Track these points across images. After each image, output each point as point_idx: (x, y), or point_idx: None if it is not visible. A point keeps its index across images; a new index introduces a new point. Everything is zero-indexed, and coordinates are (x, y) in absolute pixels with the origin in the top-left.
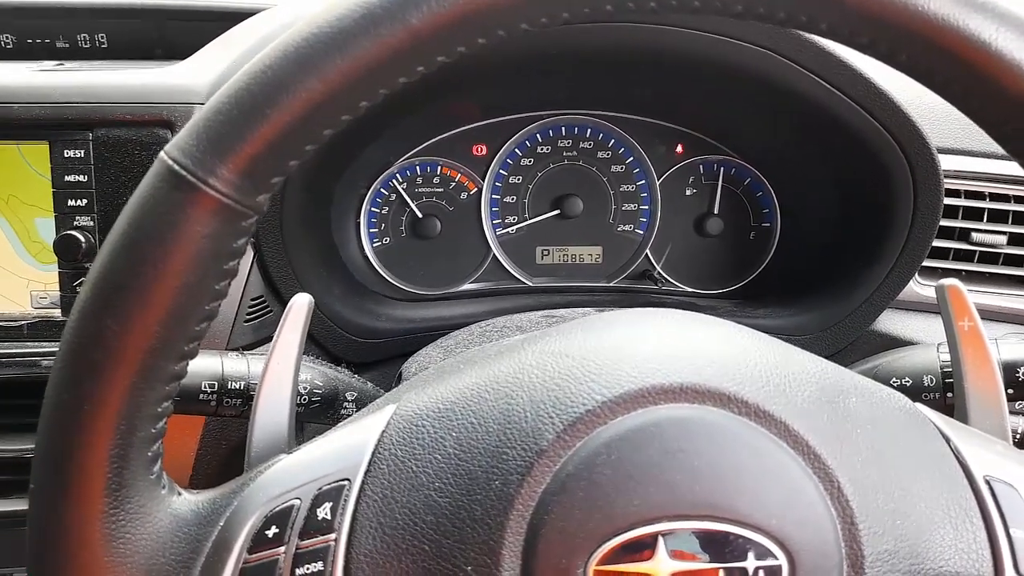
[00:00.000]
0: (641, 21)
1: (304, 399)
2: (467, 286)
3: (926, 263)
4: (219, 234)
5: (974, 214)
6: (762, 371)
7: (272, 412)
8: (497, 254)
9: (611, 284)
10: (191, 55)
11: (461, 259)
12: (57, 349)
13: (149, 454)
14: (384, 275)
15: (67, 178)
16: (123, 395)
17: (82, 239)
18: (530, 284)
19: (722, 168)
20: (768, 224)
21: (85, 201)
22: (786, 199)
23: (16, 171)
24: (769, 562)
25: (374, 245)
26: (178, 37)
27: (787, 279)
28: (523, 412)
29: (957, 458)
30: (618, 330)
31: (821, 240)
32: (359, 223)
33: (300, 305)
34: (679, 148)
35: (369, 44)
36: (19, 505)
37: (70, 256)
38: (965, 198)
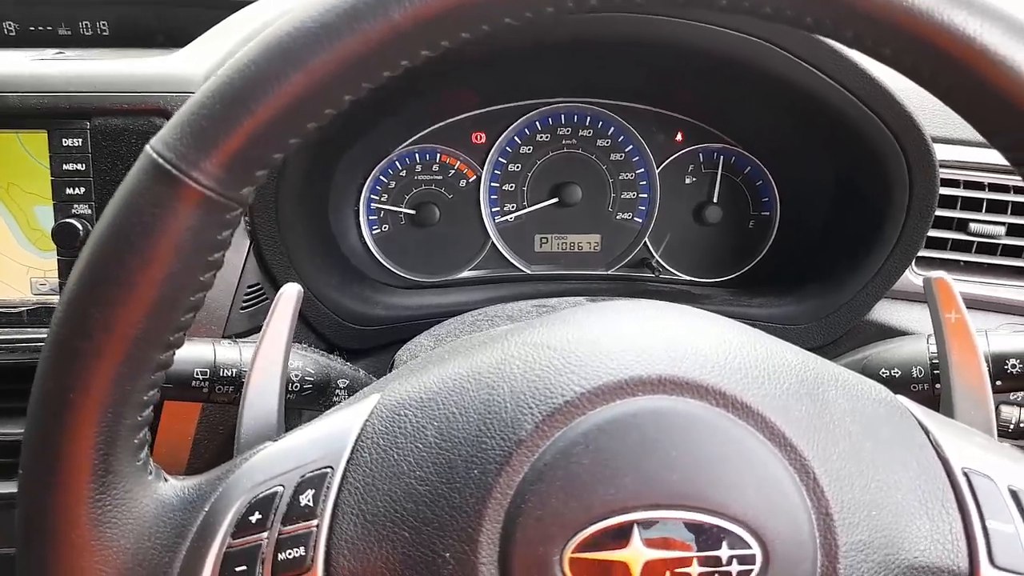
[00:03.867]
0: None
1: (296, 386)
2: (465, 274)
3: (923, 253)
4: (203, 226)
5: (973, 204)
6: (740, 363)
7: (261, 400)
8: (495, 242)
9: (609, 272)
10: (193, 42)
11: (459, 247)
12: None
13: (135, 441)
14: (383, 262)
15: (65, 167)
16: (108, 383)
17: (80, 227)
18: (528, 272)
19: (722, 156)
20: (767, 213)
21: (83, 189)
22: (785, 188)
23: (16, 159)
24: (743, 551)
25: (373, 233)
26: (179, 24)
27: (784, 268)
28: (503, 402)
29: (936, 450)
30: (599, 322)
31: (818, 229)
32: (358, 210)
33: (289, 295)
34: (679, 136)
35: (351, 39)
36: None
37: (68, 244)
38: (964, 188)
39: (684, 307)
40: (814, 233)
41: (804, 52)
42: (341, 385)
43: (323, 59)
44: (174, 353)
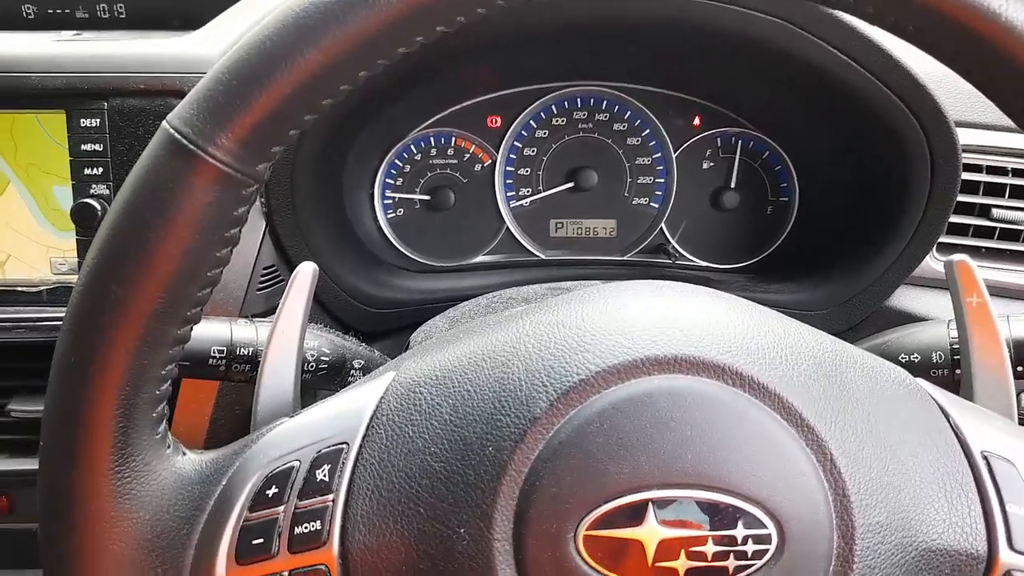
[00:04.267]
0: None
1: (311, 366)
2: (480, 258)
3: (945, 239)
4: (219, 202)
5: (996, 190)
6: (758, 343)
7: (277, 377)
8: (511, 227)
9: (625, 258)
10: (208, 24)
11: (474, 231)
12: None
13: (154, 414)
14: (398, 247)
15: (83, 147)
16: (127, 357)
17: (98, 207)
18: (543, 257)
19: (740, 141)
20: (786, 199)
21: (101, 170)
22: (804, 173)
23: (35, 140)
24: (759, 531)
25: (388, 217)
26: (195, 7)
27: (803, 254)
28: (518, 380)
29: (955, 433)
30: (614, 301)
31: (838, 215)
32: (373, 194)
33: (305, 273)
34: (696, 120)
35: (367, 14)
36: None
37: (87, 223)
38: (986, 173)
39: (700, 288)
40: (833, 219)
41: (825, 33)
42: (356, 365)
43: (338, 35)
44: (191, 328)
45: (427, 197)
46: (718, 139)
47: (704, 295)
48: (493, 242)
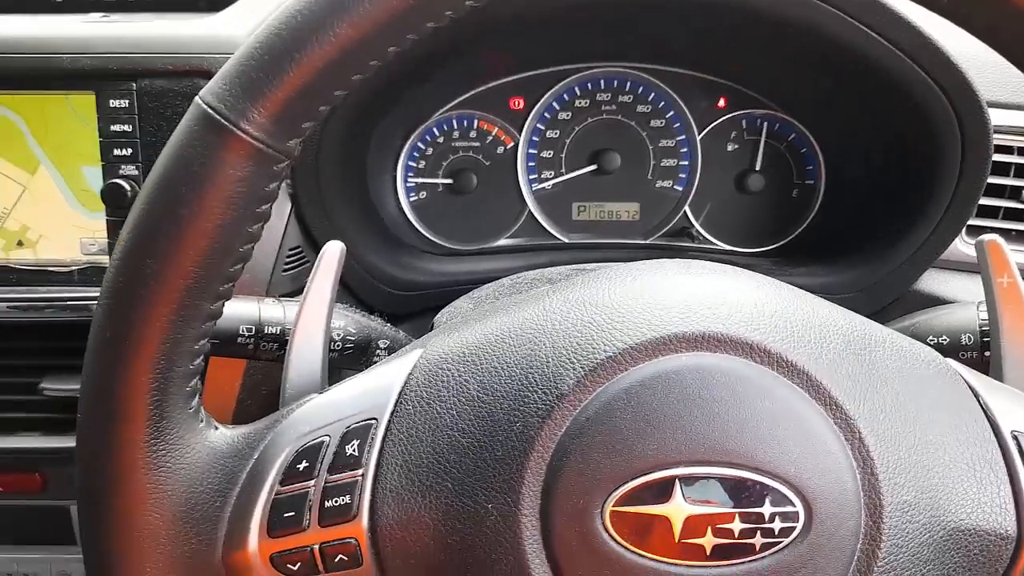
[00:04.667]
0: None
1: (337, 345)
2: (502, 242)
3: (974, 222)
4: (251, 177)
5: None
6: (786, 321)
7: (305, 354)
8: (533, 210)
9: (648, 241)
10: (234, 4)
11: (496, 214)
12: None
13: (187, 388)
14: (420, 230)
15: (113, 128)
16: (162, 331)
17: (128, 188)
18: (565, 241)
19: (765, 123)
20: (811, 182)
21: (130, 150)
22: (830, 155)
23: (65, 121)
24: (786, 508)
25: (411, 200)
26: None
27: (829, 237)
28: (545, 357)
29: (985, 413)
30: (641, 279)
31: (865, 197)
32: (395, 177)
33: (332, 252)
34: (721, 102)
35: None
36: None
37: (116, 204)
38: (1018, 155)
39: (728, 266)
40: (860, 201)
41: (855, 10)
42: (382, 345)
43: (369, 9)
44: (223, 304)
45: (449, 180)
46: (743, 121)
47: (732, 273)
48: (515, 225)
